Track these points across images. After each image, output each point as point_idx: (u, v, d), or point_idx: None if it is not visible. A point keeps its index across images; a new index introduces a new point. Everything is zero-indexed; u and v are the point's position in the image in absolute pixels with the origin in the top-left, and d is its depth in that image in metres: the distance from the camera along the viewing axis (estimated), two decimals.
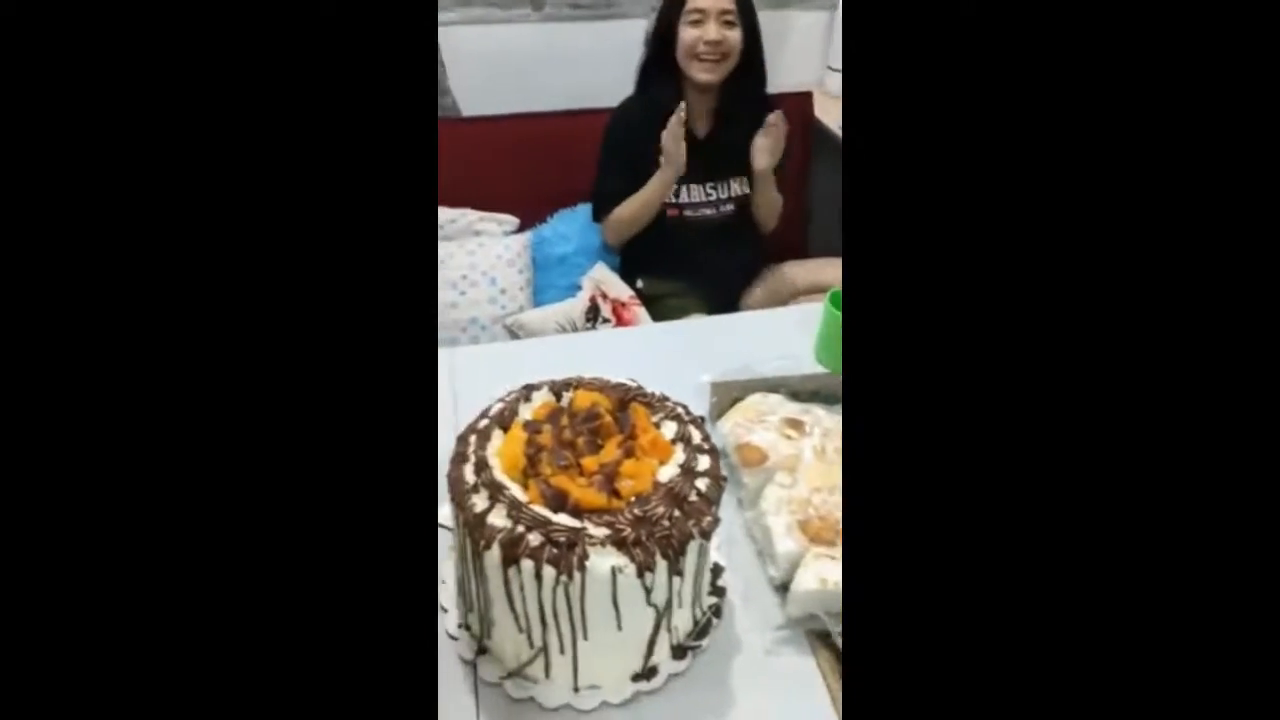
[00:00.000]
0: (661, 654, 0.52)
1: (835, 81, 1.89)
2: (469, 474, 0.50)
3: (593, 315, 1.41)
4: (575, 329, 1.41)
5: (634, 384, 0.59)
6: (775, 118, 1.27)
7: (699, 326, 1.09)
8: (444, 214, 1.52)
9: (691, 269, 1.41)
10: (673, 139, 1.23)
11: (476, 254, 1.46)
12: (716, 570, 0.59)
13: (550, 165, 1.62)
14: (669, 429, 0.55)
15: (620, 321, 1.41)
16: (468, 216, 1.53)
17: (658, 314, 1.44)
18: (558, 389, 0.57)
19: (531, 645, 0.49)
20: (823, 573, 0.55)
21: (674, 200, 1.35)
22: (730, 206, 1.40)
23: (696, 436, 0.54)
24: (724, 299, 1.47)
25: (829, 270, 1.54)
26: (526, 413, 0.55)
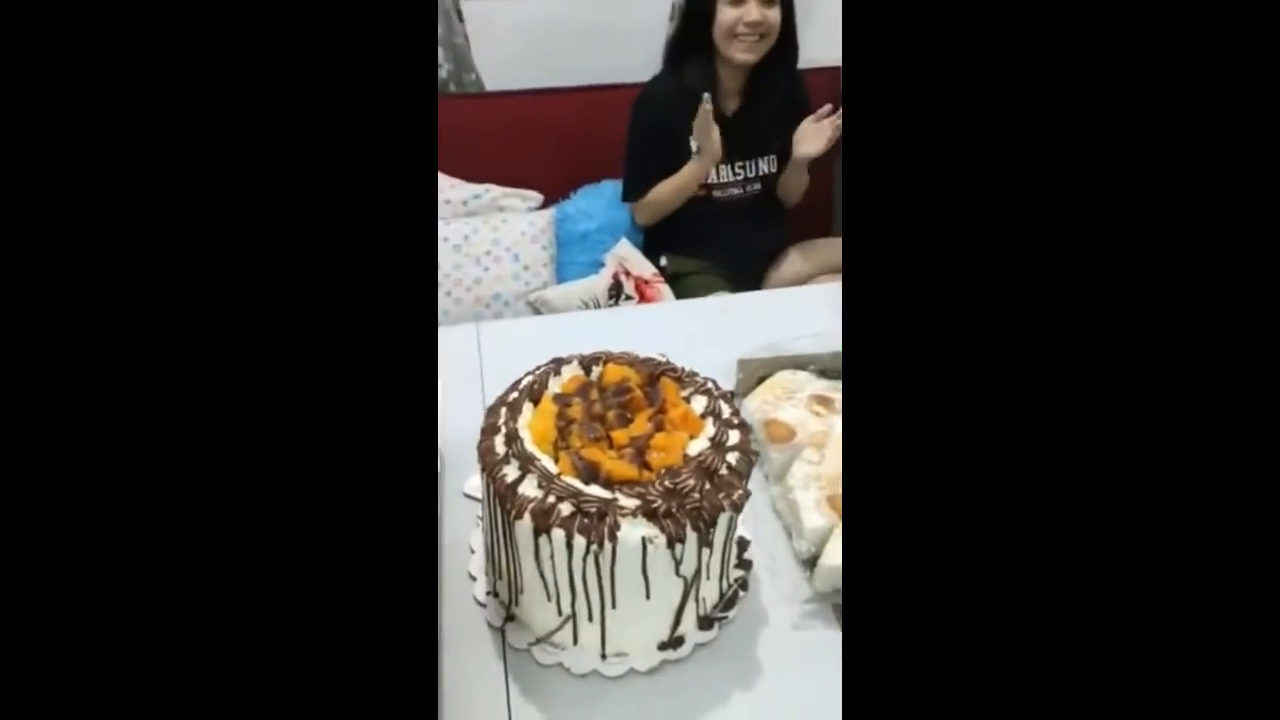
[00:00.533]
0: (688, 624, 0.53)
1: None
2: (500, 445, 0.50)
3: (616, 292, 1.41)
4: (598, 306, 1.41)
5: (663, 359, 0.59)
6: (830, 111, 1.24)
7: (724, 304, 1.09)
8: (468, 189, 1.53)
9: (716, 247, 1.40)
10: (704, 132, 1.21)
11: (500, 230, 1.47)
12: (743, 544, 0.59)
13: (575, 141, 1.61)
14: (699, 403, 0.55)
15: (643, 299, 1.41)
16: (491, 192, 1.53)
17: (681, 292, 1.43)
18: (587, 363, 0.57)
19: (560, 613, 0.50)
20: None
21: (702, 181, 1.33)
22: (758, 186, 1.38)
23: (726, 411, 0.54)
24: (748, 277, 1.46)
25: None
26: (556, 386, 0.56)
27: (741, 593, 0.57)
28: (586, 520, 0.45)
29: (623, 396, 0.54)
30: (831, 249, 1.50)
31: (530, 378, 0.56)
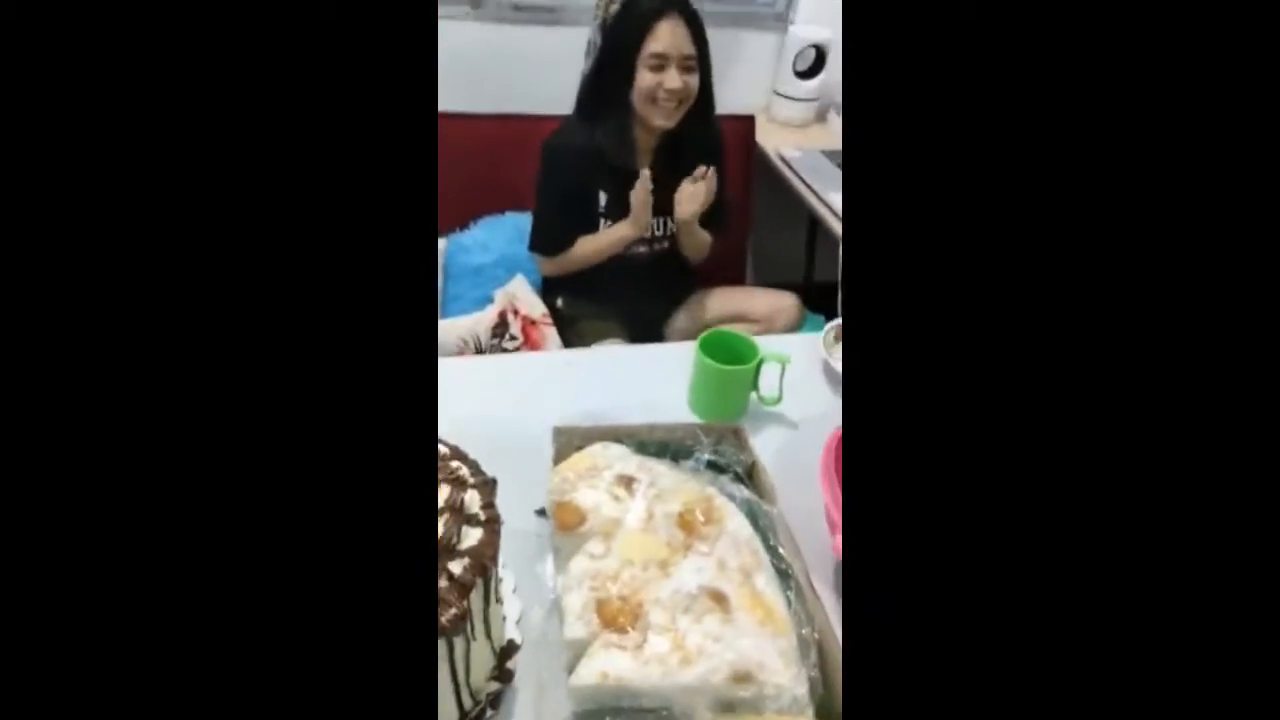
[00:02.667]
0: None
1: (781, 106, 1.84)
2: None
3: (500, 331, 1.34)
4: (479, 343, 1.34)
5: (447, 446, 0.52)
6: (705, 171, 1.21)
7: (585, 359, 1.03)
8: None
9: (617, 297, 1.35)
10: (641, 204, 1.18)
11: None
12: (509, 650, 0.52)
13: (478, 170, 1.55)
14: (441, 494, 0.48)
15: (528, 340, 1.35)
16: None
17: (573, 335, 1.37)
18: None
19: None
20: (607, 665, 0.48)
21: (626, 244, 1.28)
22: (665, 244, 1.34)
23: (475, 504, 0.48)
24: (647, 327, 1.41)
25: (756, 298, 1.49)
26: None
27: (490, 712, 0.50)
28: None
29: None
30: (724, 298, 1.47)
31: None
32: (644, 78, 1.18)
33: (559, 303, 1.40)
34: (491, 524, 0.47)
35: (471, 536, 0.46)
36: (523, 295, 1.39)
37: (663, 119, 1.21)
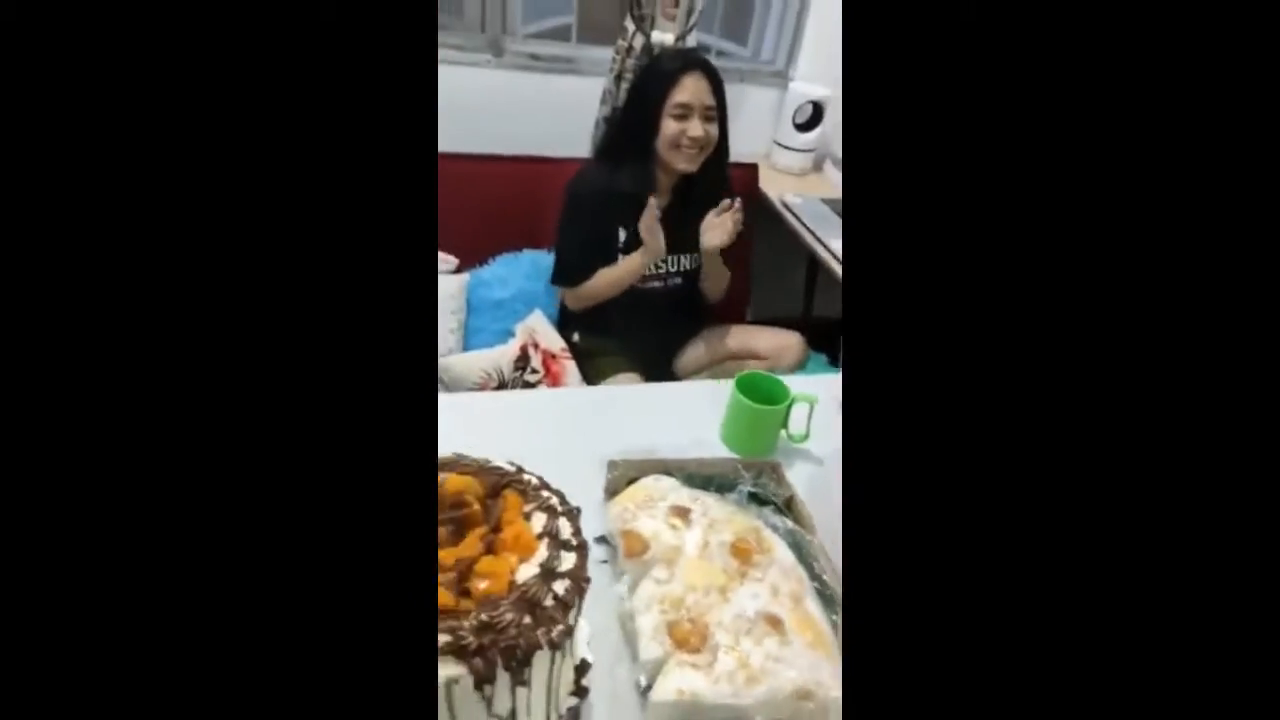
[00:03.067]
0: None
1: (781, 156, 1.95)
2: None
3: (522, 364, 1.40)
4: (502, 377, 1.39)
5: (513, 468, 0.57)
6: (732, 202, 1.30)
7: (619, 395, 1.09)
8: None
9: (629, 331, 1.41)
10: (649, 231, 1.26)
11: None
12: (583, 667, 0.57)
13: (495, 209, 1.61)
14: (538, 521, 0.53)
15: (549, 373, 1.40)
16: None
17: (589, 369, 1.43)
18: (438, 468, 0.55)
19: None
20: (683, 683, 0.53)
21: (642, 275, 1.35)
22: (679, 280, 1.42)
23: (566, 531, 0.53)
24: (658, 362, 1.48)
25: (762, 336, 1.56)
26: None
27: None
28: None
29: (458, 511, 0.52)
30: (732, 335, 1.54)
31: None
32: (669, 126, 1.27)
33: (575, 337, 1.46)
34: (582, 549, 0.52)
35: (568, 560, 0.51)
36: (542, 330, 1.45)
37: (685, 163, 1.30)
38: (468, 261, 1.56)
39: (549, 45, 1.77)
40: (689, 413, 0.91)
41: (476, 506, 0.53)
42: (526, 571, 0.49)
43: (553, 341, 1.43)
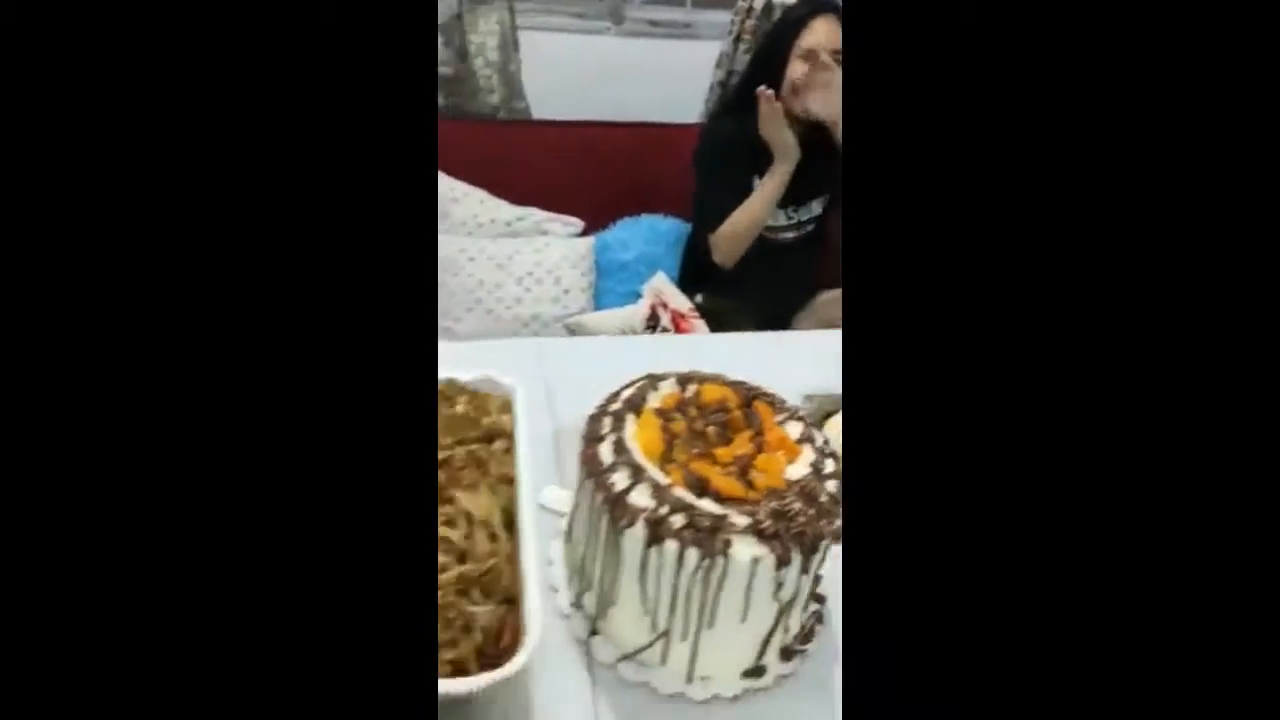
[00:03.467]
0: (772, 654, 0.52)
1: None
2: (606, 453, 0.50)
3: (653, 324, 1.42)
4: (636, 335, 1.42)
5: (753, 383, 0.60)
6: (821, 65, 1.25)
7: (775, 340, 1.10)
8: (511, 211, 1.55)
9: (747, 289, 1.42)
10: (776, 128, 1.22)
11: (543, 253, 1.48)
12: (818, 578, 0.59)
13: (616, 174, 1.64)
14: (793, 429, 0.55)
15: (679, 332, 1.42)
16: (534, 216, 1.55)
17: (714, 329, 1.45)
18: (683, 380, 0.58)
19: (654, 629, 0.49)
20: None
21: (783, 190, 1.33)
22: (811, 227, 1.42)
23: (820, 439, 0.55)
24: (775, 320, 1.48)
25: None
26: (655, 401, 0.56)
27: (819, 626, 0.56)
28: (700, 534, 0.45)
29: (722, 416, 0.54)
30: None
31: (629, 390, 0.56)
32: (795, 68, 1.26)
33: (698, 298, 1.48)
34: (835, 456, 0.54)
35: (828, 465, 0.53)
36: (668, 290, 1.47)
37: (812, 106, 1.26)
38: (592, 225, 1.60)
39: (667, 10, 1.79)
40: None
41: (737, 412, 0.55)
42: (798, 471, 0.51)
43: (680, 302, 1.46)
